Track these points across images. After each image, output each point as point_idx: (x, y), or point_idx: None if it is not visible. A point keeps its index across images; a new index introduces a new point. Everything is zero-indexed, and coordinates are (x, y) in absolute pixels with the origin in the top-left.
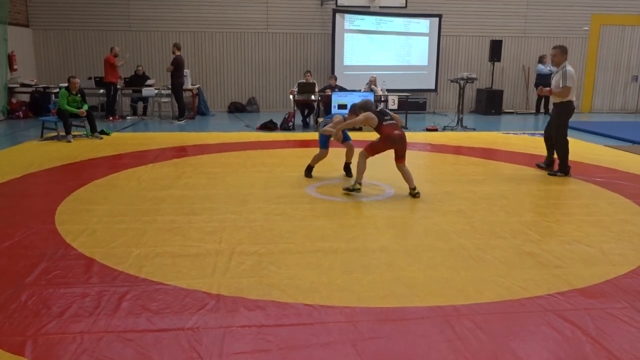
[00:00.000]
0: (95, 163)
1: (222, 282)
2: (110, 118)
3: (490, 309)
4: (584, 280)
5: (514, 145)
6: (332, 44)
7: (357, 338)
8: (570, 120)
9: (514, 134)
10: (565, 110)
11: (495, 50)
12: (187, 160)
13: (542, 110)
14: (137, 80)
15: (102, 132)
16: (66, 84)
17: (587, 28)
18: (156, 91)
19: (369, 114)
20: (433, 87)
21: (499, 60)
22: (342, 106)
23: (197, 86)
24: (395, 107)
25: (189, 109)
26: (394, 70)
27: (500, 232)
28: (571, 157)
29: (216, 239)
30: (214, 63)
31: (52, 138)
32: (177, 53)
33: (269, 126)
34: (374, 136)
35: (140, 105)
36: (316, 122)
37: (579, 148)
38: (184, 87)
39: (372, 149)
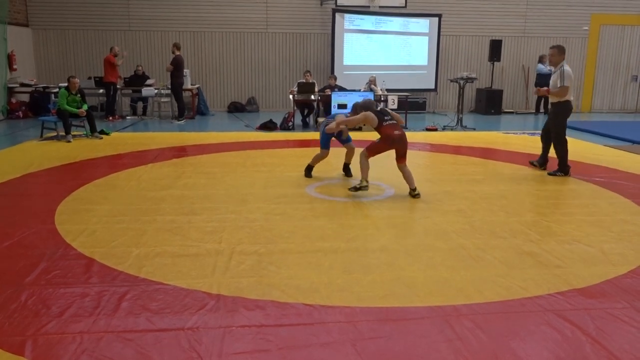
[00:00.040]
0: (95, 163)
1: (222, 282)
2: (110, 118)
3: (490, 308)
4: (584, 280)
5: (513, 145)
6: (332, 43)
7: (357, 338)
8: (570, 120)
9: (513, 133)
10: (563, 110)
11: (495, 50)
12: (187, 160)
13: (542, 110)
14: (137, 80)
15: (102, 132)
16: (66, 84)
17: (586, 28)
18: (156, 91)
19: (368, 113)
20: (433, 86)
21: (498, 60)
22: (341, 106)
23: (196, 86)
24: (395, 106)
25: (189, 108)
26: (393, 70)
27: (500, 232)
28: (571, 157)
29: (216, 238)
30: (213, 63)
31: (51, 138)
32: (177, 53)
33: (268, 126)
34: (373, 136)
35: (140, 105)
36: (316, 122)
37: (579, 148)
38: (184, 87)
39: (373, 149)
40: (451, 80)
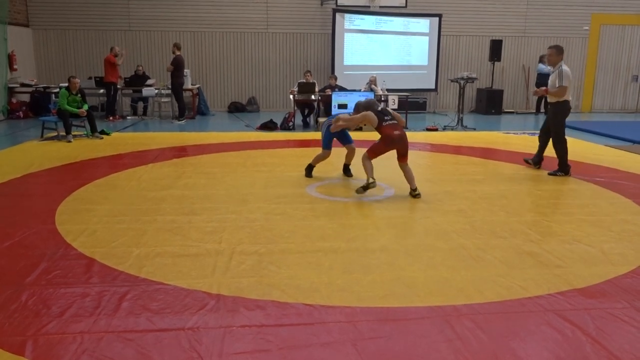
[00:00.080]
0: (95, 163)
1: (222, 282)
2: (111, 118)
3: (490, 308)
4: (584, 280)
5: (514, 145)
6: (332, 43)
7: (357, 338)
8: (571, 120)
9: (514, 133)
10: (561, 110)
11: (495, 49)
12: (187, 160)
13: (542, 110)
14: (137, 80)
15: (102, 132)
16: (66, 84)
17: (587, 28)
18: (156, 91)
19: (368, 113)
20: (433, 86)
21: (499, 60)
22: (342, 106)
23: (197, 86)
24: (396, 106)
25: (189, 108)
26: (394, 70)
27: (500, 231)
28: (571, 157)
29: (216, 238)
30: (214, 63)
31: (52, 138)
32: (177, 53)
33: (269, 126)
34: (373, 136)
35: (140, 105)
36: (316, 122)
37: (579, 148)
38: (184, 87)
39: (374, 151)
40: (451, 80)
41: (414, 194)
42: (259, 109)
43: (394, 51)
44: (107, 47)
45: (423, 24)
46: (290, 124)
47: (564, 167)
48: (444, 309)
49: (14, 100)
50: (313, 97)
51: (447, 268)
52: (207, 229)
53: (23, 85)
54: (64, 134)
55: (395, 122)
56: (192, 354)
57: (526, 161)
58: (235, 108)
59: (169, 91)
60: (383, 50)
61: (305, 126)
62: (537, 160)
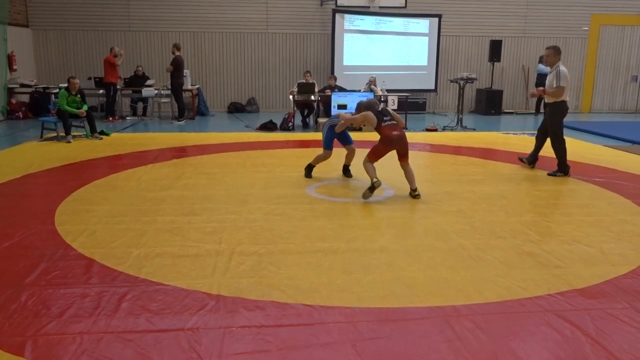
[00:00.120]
0: (95, 163)
1: (222, 282)
2: (110, 118)
3: (490, 309)
4: (584, 280)
5: (513, 145)
6: (332, 44)
7: (357, 338)
8: (570, 120)
9: (513, 134)
10: (559, 110)
11: (495, 50)
12: (187, 161)
13: (542, 110)
14: (137, 80)
15: (102, 133)
16: (66, 85)
17: (586, 28)
18: (156, 91)
19: (368, 113)
20: (433, 87)
21: (498, 60)
22: (341, 106)
23: (196, 86)
24: (395, 107)
25: (189, 109)
26: (393, 70)
27: (500, 232)
28: (571, 157)
29: (216, 239)
30: (213, 63)
31: (51, 138)
32: (177, 53)
33: (268, 126)
34: (373, 136)
35: (140, 105)
36: (316, 122)
37: (579, 148)
38: (184, 87)
39: (375, 154)
40: (451, 81)
41: (414, 194)
42: (258, 109)
43: (393, 52)
44: (106, 47)
45: (423, 25)
46: (290, 124)
47: (563, 168)
48: (443, 310)
49: (13, 101)
50: (313, 97)
51: (446, 268)
52: (207, 229)
53: (23, 85)
54: (63, 134)
55: (395, 122)
56: (191, 354)
57: (521, 160)
58: (235, 108)
59: (169, 92)
60: (383, 51)
61: (305, 127)
62: (531, 160)
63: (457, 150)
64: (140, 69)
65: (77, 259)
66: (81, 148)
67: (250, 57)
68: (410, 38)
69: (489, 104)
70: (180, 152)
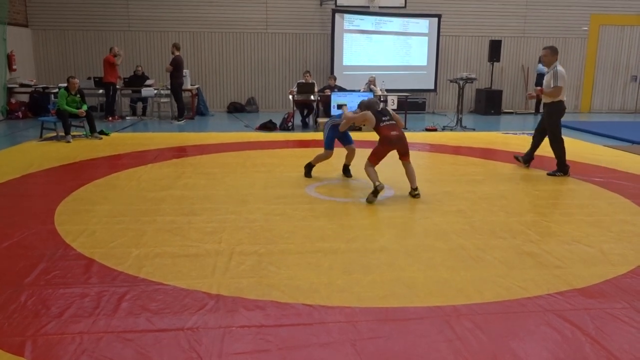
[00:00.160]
0: (94, 163)
1: (221, 282)
2: (110, 118)
3: (490, 309)
4: (584, 280)
5: (513, 145)
6: (332, 44)
7: (357, 338)
8: (570, 120)
9: (513, 134)
10: (556, 110)
11: (495, 50)
12: (187, 161)
13: (541, 110)
14: (137, 80)
15: (102, 133)
16: (65, 84)
17: (586, 28)
18: (155, 91)
19: (367, 113)
20: (432, 87)
21: (498, 60)
22: (341, 106)
23: (196, 86)
24: (395, 107)
25: (189, 109)
26: (393, 70)
27: (500, 232)
28: (570, 157)
29: (216, 239)
30: (213, 63)
31: (51, 138)
32: (177, 53)
33: (268, 126)
34: (373, 136)
35: (139, 105)
36: (315, 122)
37: (578, 148)
38: (183, 87)
39: (375, 156)
40: (451, 81)
41: (414, 193)
42: (258, 109)
43: (393, 51)
44: (106, 47)
45: (422, 25)
46: (290, 124)
47: (562, 167)
48: (443, 309)
49: (13, 101)
50: (312, 97)
51: (446, 268)
52: (207, 229)
53: (22, 85)
54: (63, 134)
55: (393, 122)
56: (191, 354)
57: (516, 158)
58: (235, 108)
59: (168, 91)
60: (382, 51)
61: (305, 126)
62: (527, 159)
63: (456, 150)
64: (139, 68)
65: (77, 258)
66: (81, 148)
67: (250, 57)
68: (409, 38)
69: (489, 104)
70: (180, 151)
